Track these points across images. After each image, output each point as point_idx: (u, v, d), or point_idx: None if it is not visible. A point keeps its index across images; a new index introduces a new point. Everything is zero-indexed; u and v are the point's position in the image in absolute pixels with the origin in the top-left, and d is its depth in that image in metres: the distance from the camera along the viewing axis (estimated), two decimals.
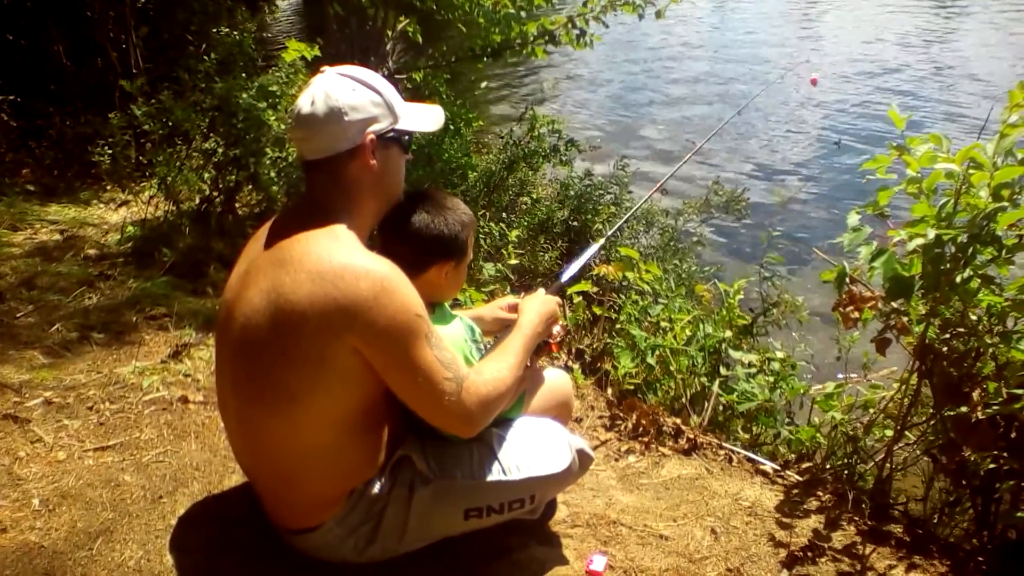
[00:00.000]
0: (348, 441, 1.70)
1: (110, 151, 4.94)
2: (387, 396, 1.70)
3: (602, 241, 2.76)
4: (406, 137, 1.80)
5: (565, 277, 2.28)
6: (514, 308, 2.11)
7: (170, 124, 4.54)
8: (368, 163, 1.70)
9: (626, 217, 3.27)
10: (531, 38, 5.74)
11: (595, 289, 4.10)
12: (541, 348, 2.05)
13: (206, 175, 4.65)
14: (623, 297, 4.12)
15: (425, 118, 1.86)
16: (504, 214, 5.91)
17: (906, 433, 2.61)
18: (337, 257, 1.56)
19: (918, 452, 2.65)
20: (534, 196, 6.37)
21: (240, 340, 1.62)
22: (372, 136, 1.69)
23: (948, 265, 2.21)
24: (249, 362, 1.62)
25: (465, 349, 1.87)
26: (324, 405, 1.61)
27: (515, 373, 1.78)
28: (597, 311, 3.98)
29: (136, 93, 4.68)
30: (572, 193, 6.13)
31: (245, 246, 1.82)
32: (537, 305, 2.00)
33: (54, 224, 4.71)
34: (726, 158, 9.41)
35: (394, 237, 1.83)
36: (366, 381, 1.62)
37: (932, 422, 2.53)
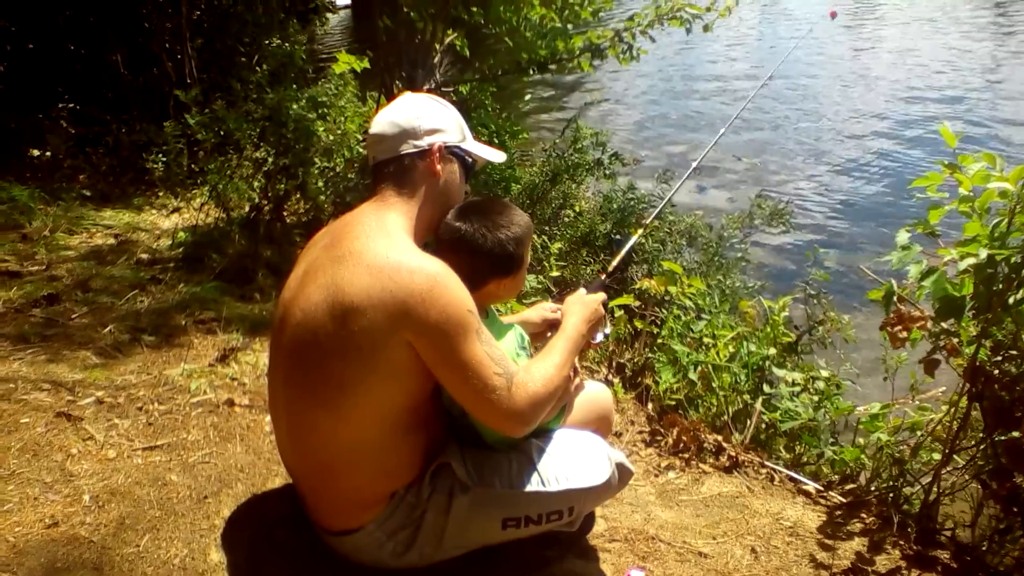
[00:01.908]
0: (392, 439, 1.73)
1: (164, 159, 5.06)
2: (433, 399, 1.75)
3: (640, 232, 2.77)
4: (470, 160, 1.92)
5: (613, 263, 2.32)
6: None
7: (222, 133, 4.64)
8: (434, 168, 1.81)
9: (665, 201, 3.25)
10: (577, 52, 5.74)
11: (637, 303, 4.08)
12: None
13: (256, 183, 4.74)
14: (665, 312, 4.10)
15: (490, 151, 2.00)
16: (546, 226, 5.92)
17: (955, 457, 2.55)
18: (394, 254, 1.63)
19: (967, 477, 2.58)
20: (577, 209, 6.38)
21: (296, 335, 1.67)
22: (441, 144, 1.82)
23: (1001, 286, 2.16)
24: (304, 355, 1.67)
25: (513, 355, 1.88)
26: (373, 399, 1.65)
27: (563, 373, 1.80)
28: (639, 325, 3.96)
29: (190, 103, 4.79)
30: (615, 207, 6.11)
31: (303, 251, 1.88)
32: (580, 308, 2.02)
33: (108, 228, 4.85)
34: (771, 174, 9.33)
35: (452, 254, 1.83)
36: (415, 377, 1.66)
37: (982, 446, 2.47)
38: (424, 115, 1.83)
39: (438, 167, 1.82)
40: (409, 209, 1.79)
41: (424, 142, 1.81)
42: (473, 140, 1.96)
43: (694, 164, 3.03)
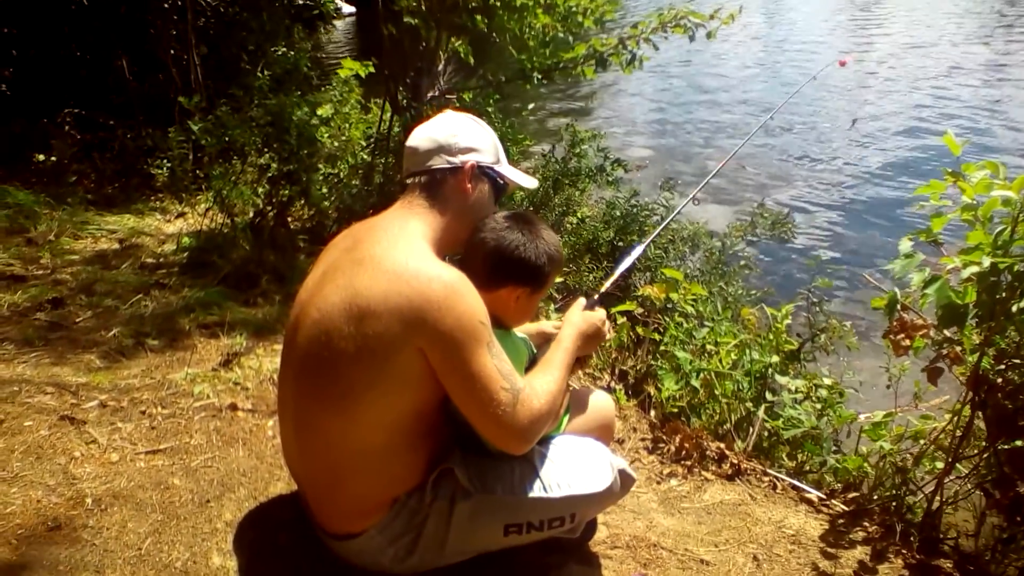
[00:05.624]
0: (399, 445, 1.73)
1: (168, 164, 5.09)
2: (441, 408, 1.75)
3: (640, 248, 2.67)
4: (501, 182, 1.94)
5: (606, 286, 2.31)
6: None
7: (226, 139, 4.67)
8: (464, 185, 1.84)
9: (667, 221, 3.24)
10: (580, 59, 5.74)
11: (640, 310, 4.08)
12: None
13: (260, 189, 4.76)
14: (668, 319, 4.09)
15: (523, 176, 2.01)
16: None
17: (957, 466, 2.54)
18: (413, 261, 1.64)
19: (970, 486, 2.57)
20: (579, 216, 6.38)
21: (311, 334, 1.67)
22: (473, 163, 1.85)
23: (1004, 294, 2.16)
24: (316, 356, 1.67)
25: (523, 371, 1.87)
26: (382, 405, 1.65)
27: (561, 387, 1.81)
28: (641, 332, 3.95)
29: (194, 109, 4.81)
30: (618, 213, 6.11)
31: (323, 252, 1.89)
32: (578, 320, 2.01)
33: (113, 233, 4.87)
34: (774, 181, 9.33)
35: (480, 248, 1.85)
36: (425, 385, 1.66)
37: (985, 455, 2.46)
38: (461, 133, 1.86)
39: (468, 185, 1.84)
40: (434, 220, 1.81)
41: (457, 159, 1.84)
42: (507, 164, 1.97)
43: (701, 184, 2.99)
